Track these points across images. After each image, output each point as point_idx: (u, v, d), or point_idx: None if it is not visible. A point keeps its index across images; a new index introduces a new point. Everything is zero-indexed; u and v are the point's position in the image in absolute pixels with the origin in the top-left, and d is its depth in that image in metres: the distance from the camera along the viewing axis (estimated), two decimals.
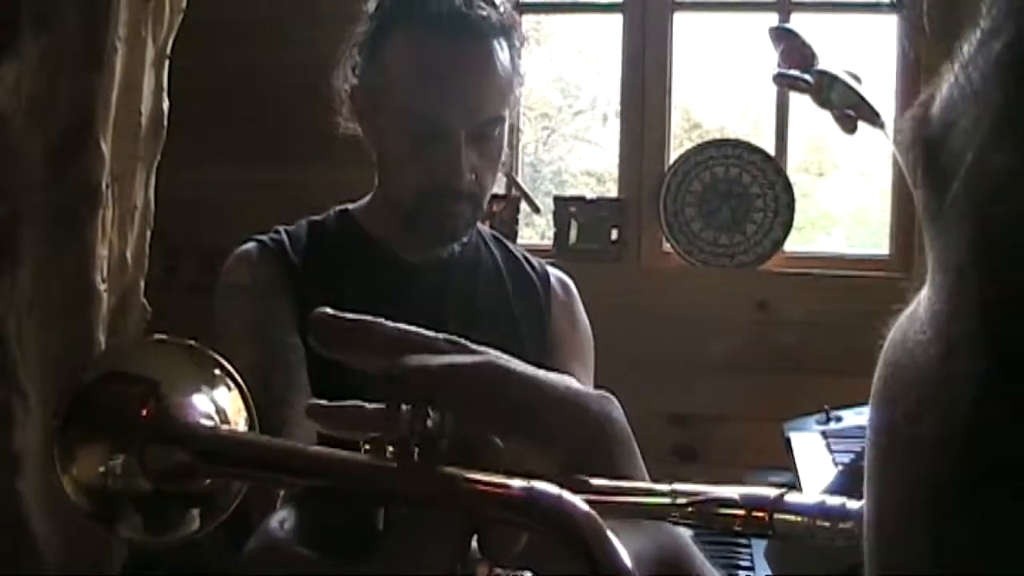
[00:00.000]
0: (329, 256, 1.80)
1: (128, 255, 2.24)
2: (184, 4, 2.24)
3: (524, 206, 3.62)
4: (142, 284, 2.32)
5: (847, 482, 1.88)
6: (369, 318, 0.64)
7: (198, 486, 0.66)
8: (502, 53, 1.68)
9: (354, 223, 1.84)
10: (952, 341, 0.34)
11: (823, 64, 3.37)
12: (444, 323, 1.81)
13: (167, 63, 2.25)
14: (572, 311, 1.93)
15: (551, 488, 0.54)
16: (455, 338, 0.66)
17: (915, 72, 3.48)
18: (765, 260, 3.51)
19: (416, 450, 0.59)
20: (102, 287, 2.13)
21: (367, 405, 0.67)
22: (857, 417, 2.63)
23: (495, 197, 3.55)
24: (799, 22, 3.54)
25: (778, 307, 3.41)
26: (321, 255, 1.79)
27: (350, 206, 1.87)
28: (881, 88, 3.44)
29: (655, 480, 0.64)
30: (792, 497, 0.57)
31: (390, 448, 0.60)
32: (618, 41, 3.73)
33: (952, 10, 0.36)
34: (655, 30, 3.63)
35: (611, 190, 3.91)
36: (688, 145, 3.79)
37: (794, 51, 3.42)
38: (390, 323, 0.64)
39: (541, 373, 0.65)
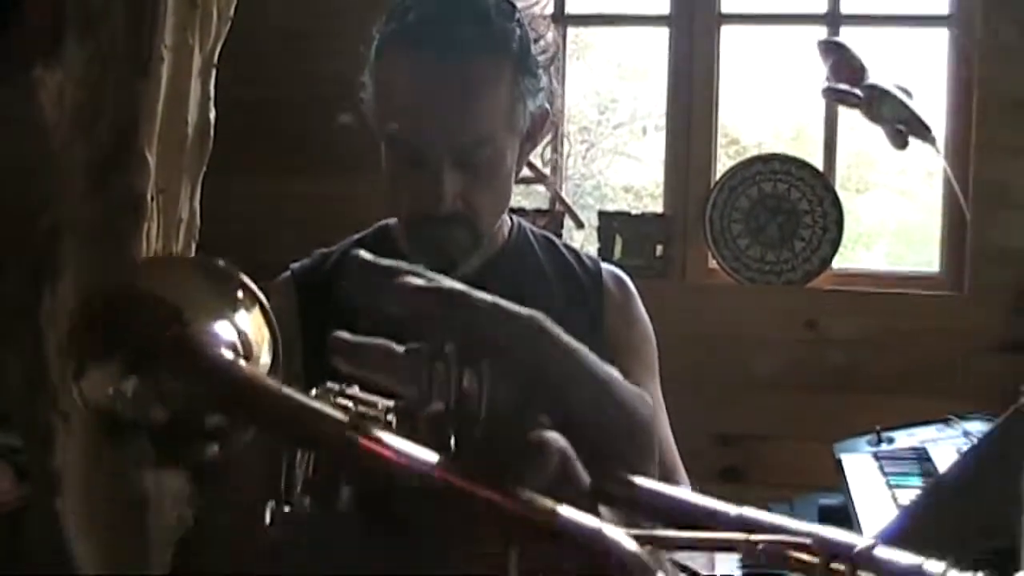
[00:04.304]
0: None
1: None
2: (232, 12, 2.20)
3: (568, 221, 3.57)
4: None
5: (909, 522, 1.83)
6: (406, 266, 0.60)
7: (212, 419, 0.60)
8: (494, 70, 1.58)
9: (390, 239, 1.79)
10: None
11: (873, 78, 3.33)
12: None
13: (214, 72, 2.21)
14: (628, 311, 1.85)
15: (587, 519, 0.47)
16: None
17: (966, 87, 3.43)
18: (813, 277, 3.46)
19: (451, 433, 0.54)
20: None
21: (397, 348, 0.62)
22: (909, 438, 2.59)
23: (539, 212, 3.51)
24: (848, 35, 3.50)
25: (827, 325, 3.36)
26: None
27: (391, 221, 1.81)
28: (931, 103, 3.38)
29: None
30: (884, 553, 0.48)
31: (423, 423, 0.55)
32: (659, 53, 3.69)
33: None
34: (702, 43, 3.58)
35: (649, 204, 3.86)
36: (726, 160, 3.74)
37: (844, 65, 3.38)
38: (430, 273, 0.60)
39: (586, 350, 0.60)
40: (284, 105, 3.55)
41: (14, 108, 1.96)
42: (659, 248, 3.50)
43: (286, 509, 0.64)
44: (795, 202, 3.48)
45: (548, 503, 0.48)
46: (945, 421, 2.59)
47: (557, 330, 0.59)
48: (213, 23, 2.16)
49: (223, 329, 0.61)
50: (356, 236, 1.83)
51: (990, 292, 3.27)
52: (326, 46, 3.40)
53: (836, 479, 2.37)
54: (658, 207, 3.73)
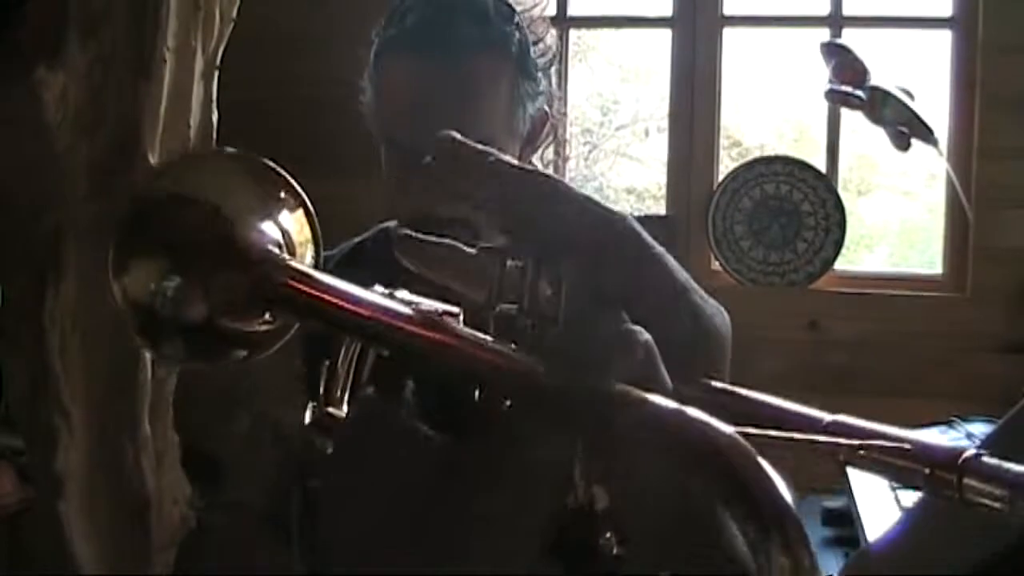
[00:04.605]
0: (357, 283, 1.74)
1: None
2: (234, 13, 2.19)
3: None
4: None
5: (912, 524, 1.82)
6: (496, 151, 0.58)
7: (251, 322, 0.59)
8: (493, 73, 1.57)
9: (391, 241, 1.78)
10: None
11: (875, 80, 3.33)
12: None
13: (216, 74, 2.20)
14: None
15: (678, 407, 0.45)
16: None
17: (969, 88, 3.43)
18: (816, 279, 3.46)
19: (527, 330, 0.52)
20: None
21: (465, 247, 0.60)
22: None
23: None
24: (851, 37, 3.49)
25: (829, 327, 3.36)
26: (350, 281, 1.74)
27: (391, 224, 1.81)
28: (934, 105, 3.38)
29: None
30: (993, 461, 0.45)
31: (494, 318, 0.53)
32: (662, 55, 3.69)
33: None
34: (705, 45, 3.58)
35: (652, 206, 3.85)
36: (728, 162, 3.73)
37: (846, 67, 3.37)
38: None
39: (669, 255, 0.58)
40: (285, 107, 3.55)
41: (17, 109, 1.96)
42: None
43: (330, 411, 0.62)
44: (797, 204, 3.48)
45: (639, 392, 0.46)
46: (948, 423, 2.58)
47: (643, 231, 0.57)
48: (216, 24, 2.16)
49: (267, 226, 0.60)
50: (357, 239, 1.82)
51: (992, 294, 3.27)
52: (327, 48, 3.41)
53: (839, 481, 2.35)
54: (660, 209, 3.74)
